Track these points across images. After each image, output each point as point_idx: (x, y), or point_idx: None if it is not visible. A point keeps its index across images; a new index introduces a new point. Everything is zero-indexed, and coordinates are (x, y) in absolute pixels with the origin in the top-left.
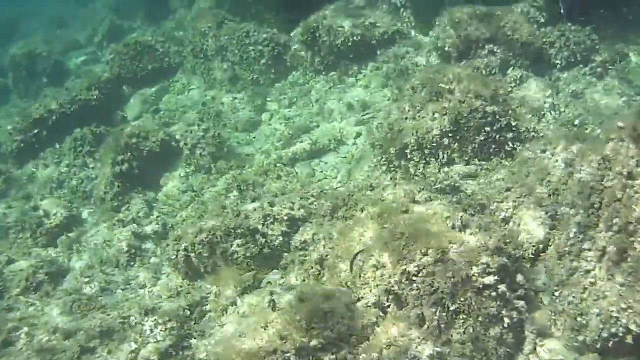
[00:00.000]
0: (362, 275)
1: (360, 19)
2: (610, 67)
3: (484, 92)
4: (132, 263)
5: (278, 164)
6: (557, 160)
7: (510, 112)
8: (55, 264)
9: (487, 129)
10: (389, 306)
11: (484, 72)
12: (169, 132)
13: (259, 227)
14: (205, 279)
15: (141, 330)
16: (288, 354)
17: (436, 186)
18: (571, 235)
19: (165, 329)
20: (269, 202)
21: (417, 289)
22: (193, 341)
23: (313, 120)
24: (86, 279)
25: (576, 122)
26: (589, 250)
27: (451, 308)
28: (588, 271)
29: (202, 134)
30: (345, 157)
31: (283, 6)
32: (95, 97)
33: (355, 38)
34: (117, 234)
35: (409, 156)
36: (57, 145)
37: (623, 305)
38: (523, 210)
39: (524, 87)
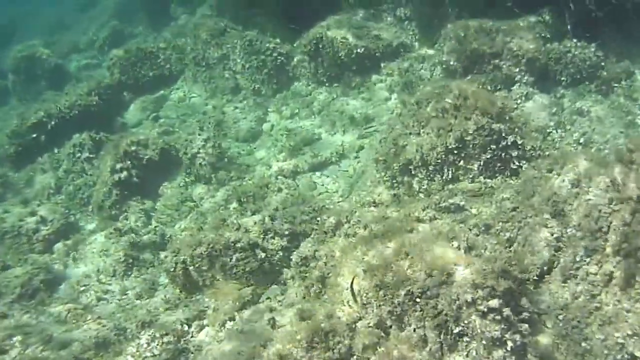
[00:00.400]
0: (365, 294)
1: (364, 31)
2: (615, 84)
3: (491, 110)
4: (129, 273)
5: (279, 177)
6: (563, 180)
7: (516, 129)
8: (51, 271)
9: (493, 146)
10: (390, 327)
11: (489, 87)
12: (169, 141)
13: (259, 241)
14: (204, 293)
15: (138, 344)
16: None
17: (441, 205)
18: (577, 258)
19: (162, 343)
20: (269, 216)
21: (420, 310)
22: (190, 356)
23: (315, 133)
24: (82, 288)
25: (581, 140)
26: (596, 274)
27: (454, 331)
28: (594, 296)
29: (203, 143)
30: (347, 171)
31: (284, 16)
32: (95, 102)
33: (358, 50)
34: (114, 243)
35: (413, 172)
36: (56, 150)
37: (629, 332)
38: (528, 231)
39: (529, 104)
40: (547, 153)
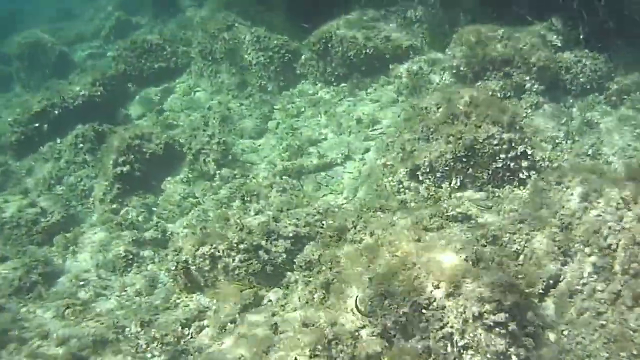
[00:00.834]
0: (370, 303)
1: (374, 32)
2: (625, 96)
3: (501, 119)
4: (129, 269)
5: (284, 176)
6: (572, 194)
7: (526, 139)
8: (49, 264)
9: (503, 156)
10: (394, 336)
11: (499, 94)
12: (173, 136)
13: (263, 242)
14: (205, 293)
15: (137, 344)
16: None
17: (448, 213)
18: (585, 274)
19: (161, 344)
20: (273, 217)
21: (425, 322)
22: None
23: (321, 132)
24: (81, 282)
25: (590, 152)
26: (602, 291)
27: (460, 343)
28: (600, 313)
29: (207, 139)
30: (352, 173)
31: (293, 13)
32: (99, 93)
33: (368, 51)
34: (114, 238)
35: (420, 178)
36: (58, 141)
37: (634, 352)
38: (536, 244)
39: (539, 113)
40: (555, 164)
